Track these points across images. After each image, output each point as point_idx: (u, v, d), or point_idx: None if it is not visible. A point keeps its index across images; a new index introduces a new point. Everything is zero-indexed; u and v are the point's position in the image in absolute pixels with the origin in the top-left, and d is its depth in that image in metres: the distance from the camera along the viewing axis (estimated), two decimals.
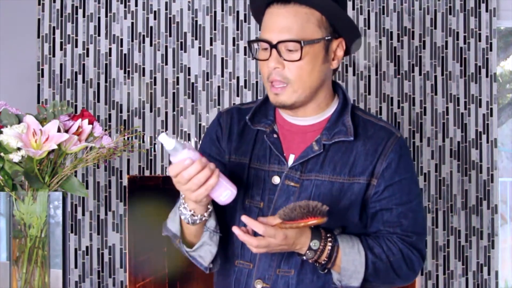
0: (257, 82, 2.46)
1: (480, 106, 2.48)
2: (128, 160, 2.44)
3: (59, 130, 1.62)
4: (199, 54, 2.46)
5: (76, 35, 2.45)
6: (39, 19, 2.44)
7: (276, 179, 1.41)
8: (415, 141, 2.46)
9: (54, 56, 2.45)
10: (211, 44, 2.46)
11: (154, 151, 2.45)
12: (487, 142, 2.47)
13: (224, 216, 1.44)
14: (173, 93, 2.45)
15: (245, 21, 2.46)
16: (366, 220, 1.43)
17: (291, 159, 1.42)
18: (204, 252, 1.40)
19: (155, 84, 2.45)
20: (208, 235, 1.39)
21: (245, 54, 2.46)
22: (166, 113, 2.45)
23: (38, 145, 1.59)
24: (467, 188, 2.47)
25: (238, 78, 2.46)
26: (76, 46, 2.45)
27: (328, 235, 1.34)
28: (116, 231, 2.43)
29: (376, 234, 1.41)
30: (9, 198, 1.64)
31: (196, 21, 2.46)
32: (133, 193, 2.47)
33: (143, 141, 2.44)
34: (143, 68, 2.45)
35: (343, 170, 1.39)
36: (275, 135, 1.44)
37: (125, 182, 2.44)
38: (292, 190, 1.39)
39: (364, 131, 1.43)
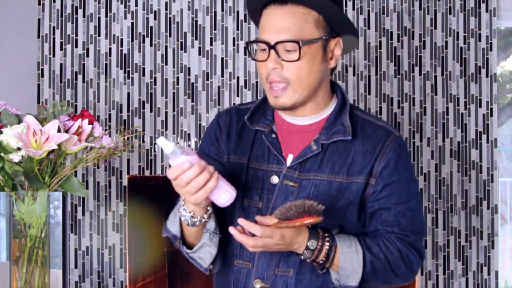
0: (257, 82, 2.46)
1: (480, 106, 2.48)
2: (128, 160, 2.44)
3: (59, 130, 1.62)
4: (199, 54, 2.46)
5: (76, 35, 2.45)
6: (39, 19, 2.45)
7: (274, 179, 1.41)
8: (415, 141, 2.46)
9: (54, 56, 2.45)
10: (211, 44, 2.46)
11: (154, 151, 2.45)
12: (487, 142, 2.47)
13: (223, 216, 1.44)
14: (173, 93, 2.45)
15: (245, 21, 2.46)
16: (365, 220, 1.43)
17: (289, 159, 1.42)
18: (204, 253, 1.40)
19: (155, 84, 2.45)
20: (208, 237, 1.39)
21: (245, 54, 2.46)
22: (166, 113, 2.45)
23: (38, 145, 1.59)
24: (467, 188, 2.47)
25: (238, 78, 2.46)
26: (76, 46, 2.45)
27: (325, 234, 1.34)
28: (116, 231, 2.43)
29: (375, 234, 1.41)
30: (9, 198, 1.64)
31: (196, 21, 2.46)
32: (133, 193, 2.47)
33: (143, 141, 2.44)
34: (143, 68, 2.45)
35: (342, 169, 1.39)
36: (273, 135, 1.45)
37: (125, 182, 2.44)
38: (290, 189, 1.40)
39: (363, 130, 1.43)
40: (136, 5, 2.46)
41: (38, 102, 2.42)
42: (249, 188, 1.43)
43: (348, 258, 1.34)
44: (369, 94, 2.46)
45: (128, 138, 2.10)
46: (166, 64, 2.45)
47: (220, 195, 1.30)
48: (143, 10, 2.46)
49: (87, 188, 2.43)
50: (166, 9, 2.46)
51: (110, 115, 2.44)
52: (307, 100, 1.41)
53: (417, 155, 2.46)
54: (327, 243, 1.33)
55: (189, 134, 2.45)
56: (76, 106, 2.44)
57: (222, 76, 2.46)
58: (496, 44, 2.49)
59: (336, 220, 1.39)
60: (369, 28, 2.47)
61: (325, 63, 1.41)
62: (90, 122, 1.72)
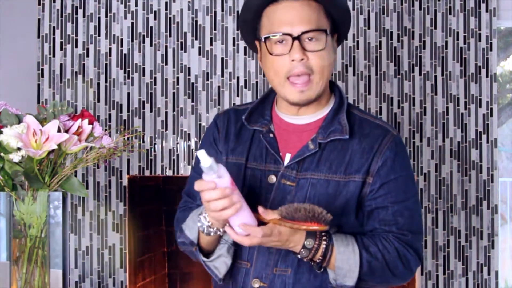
0: (257, 82, 2.46)
1: (480, 106, 2.48)
2: (128, 160, 2.44)
3: (59, 130, 1.62)
4: (199, 54, 2.46)
5: (76, 35, 2.45)
6: (39, 19, 2.45)
7: (272, 178, 1.41)
8: (415, 141, 2.46)
9: (54, 56, 2.45)
10: (211, 44, 2.46)
11: (154, 151, 2.45)
12: (487, 142, 2.47)
13: None
14: (173, 93, 2.45)
15: None
16: (363, 219, 1.43)
17: (287, 158, 1.43)
18: (220, 263, 1.41)
19: (155, 84, 2.45)
20: (226, 248, 1.40)
21: (245, 54, 2.46)
22: (166, 113, 2.45)
23: (38, 145, 1.59)
24: (467, 188, 2.47)
25: (238, 78, 2.46)
26: (76, 46, 2.45)
27: (322, 233, 1.34)
28: (116, 231, 2.43)
29: (372, 233, 1.41)
30: (9, 198, 1.64)
31: (196, 21, 2.46)
32: (133, 193, 2.47)
33: (143, 141, 2.44)
34: (143, 68, 2.45)
35: (339, 168, 1.39)
36: (271, 135, 1.45)
37: (125, 182, 2.44)
38: (288, 189, 1.40)
39: (360, 129, 1.43)
40: (136, 5, 2.46)
41: (38, 102, 2.42)
42: (247, 188, 1.43)
43: (345, 257, 1.34)
44: (369, 94, 2.46)
45: (128, 138, 2.10)
46: (166, 64, 2.45)
47: (237, 223, 1.29)
48: (143, 10, 2.46)
49: (87, 188, 2.43)
50: (166, 9, 2.46)
51: (110, 115, 2.44)
52: (320, 94, 1.42)
53: (417, 155, 2.46)
54: (324, 242, 1.33)
55: (189, 134, 2.45)
56: (76, 106, 2.44)
57: (222, 76, 2.46)
58: (496, 44, 2.49)
59: (334, 219, 1.38)
60: (369, 28, 2.47)
61: (334, 56, 1.44)
62: (90, 122, 1.72)
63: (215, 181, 1.24)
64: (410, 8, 2.48)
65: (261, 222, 1.30)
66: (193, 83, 2.45)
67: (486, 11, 2.48)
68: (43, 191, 1.64)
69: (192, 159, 2.44)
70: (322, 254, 1.33)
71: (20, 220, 1.63)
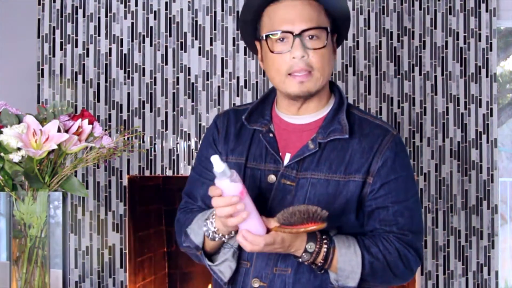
0: (257, 82, 2.46)
1: (480, 106, 2.48)
2: (128, 160, 2.44)
3: (59, 130, 1.61)
4: (199, 54, 2.46)
5: (76, 35, 2.45)
6: (39, 19, 2.45)
7: (272, 178, 1.42)
8: (415, 141, 2.46)
9: (54, 56, 2.45)
10: (211, 44, 2.46)
11: (154, 151, 2.45)
12: (487, 142, 2.47)
13: None
14: (173, 93, 2.45)
15: None
16: (363, 219, 1.43)
17: (287, 158, 1.43)
18: (224, 267, 1.42)
19: (155, 84, 2.45)
20: (231, 253, 1.41)
21: (245, 54, 2.46)
22: (166, 113, 2.45)
23: (38, 145, 1.59)
24: (467, 188, 2.47)
25: (238, 78, 2.46)
26: (76, 46, 2.45)
27: (323, 236, 1.34)
28: (116, 231, 2.43)
29: (373, 233, 1.41)
30: (9, 198, 1.64)
31: (196, 21, 2.46)
32: (133, 193, 2.47)
33: (143, 141, 2.44)
34: (143, 68, 2.45)
35: (339, 168, 1.39)
36: (271, 134, 1.45)
37: (125, 182, 2.44)
38: (288, 188, 1.40)
39: (360, 129, 1.43)
40: (136, 5, 2.46)
41: (38, 102, 2.42)
42: (247, 188, 1.43)
43: (347, 259, 1.34)
44: (369, 94, 2.46)
45: (128, 138, 2.10)
46: (166, 64, 2.45)
47: (244, 228, 1.30)
48: (143, 10, 2.46)
49: (87, 188, 2.42)
50: (166, 9, 2.46)
51: (110, 115, 2.44)
52: (319, 91, 1.42)
53: (417, 155, 2.46)
54: (325, 245, 1.33)
55: (189, 134, 2.45)
56: (76, 106, 2.44)
57: (222, 76, 2.45)
58: (496, 44, 2.49)
59: (334, 219, 1.39)
60: (369, 28, 2.47)
61: (334, 55, 1.45)
62: (90, 122, 1.71)
63: (224, 187, 1.26)
64: (410, 8, 2.48)
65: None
66: (193, 83, 2.45)
67: (486, 11, 2.48)
68: (43, 191, 1.64)
69: (192, 159, 2.44)
70: (324, 257, 1.33)
71: (20, 220, 1.63)
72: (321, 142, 1.41)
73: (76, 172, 2.34)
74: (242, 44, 2.45)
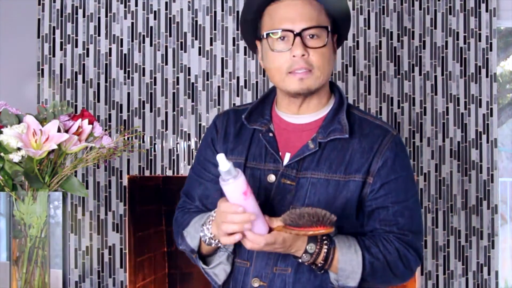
0: (257, 82, 2.46)
1: (480, 106, 2.48)
2: (128, 160, 2.44)
3: (59, 130, 1.61)
4: (199, 54, 2.46)
5: (76, 35, 2.45)
6: (39, 19, 2.45)
7: (271, 177, 1.42)
8: (415, 141, 2.46)
9: (54, 56, 2.45)
10: (211, 44, 2.46)
11: (154, 151, 2.45)
12: (487, 142, 2.47)
13: None
14: (173, 93, 2.45)
15: None
16: (363, 219, 1.43)
17: (287, 158, 1.43)
18: (219, 270, 1.42)
19: (155, 84, 2.45)
20: (226, 256, 1.41)
21: (245, 54, 2.46)
22: (166, 113, 2.45)
23: (38, 145, 1.59)
24: (467, 188, 2.47)
25: (238, 78, 2.46)
26: (76, 46, 2.45)
27: (323, 237, 1.34)
28: (116, 231, 2.43)
29: (373, 233, 1.41)
30: (9, 198, 1.64)
31: (196, 21, 2.46)
32: (133, 193, 2.47)
33: (143, 141, 2.44)
34: (143, 68, 2.45)
35: (339, 168, 1.39)
36: (270, 134, 1.45)
37: (125, 182, 2.44)
38: (288, 188, 1.40)
39: (360, 129, 1.43)
40: (136, 5, 2.46)
41: (38, 102, 2.42)
42: None
43: (348, 259, 1.34)
44: (369, 94, 2.46)
45: (128, 138, 2.10)
46: (166, 64, 2.45)
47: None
48: (143, 10, 2.46)
49: (87, 188, 2.43)
50: (166, 9, 2.46)
51: (110, 115, 2.44)
52: (318, 90, 1.42)
53: (417, 155, 2.46)
54: (326, 246, 1.33)
55: (189, 134, 2.45)
56: (76, 106, 2.44)
57: (222, 76, 2.46)
58: (496, 44, 2.49)
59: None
60: (369, 28, 2.47)
61: (335, 54, 1.46)
62: (90, 122, 1.72)
63: (229, 186, 1.25)
64: (410, 8, 2.48)
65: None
66: (193, 83, 2.45)
67: (486, 11, 2.48)
68: (43, 191, 1.64)
69: (192, 159, 2.44)
70: (324, 258, 1.33)
71: (20, 220, 1.63)
72: (321, 142, 1.41)
73: (76, 172, 2.34)
74: (242, 44, 2.45)
